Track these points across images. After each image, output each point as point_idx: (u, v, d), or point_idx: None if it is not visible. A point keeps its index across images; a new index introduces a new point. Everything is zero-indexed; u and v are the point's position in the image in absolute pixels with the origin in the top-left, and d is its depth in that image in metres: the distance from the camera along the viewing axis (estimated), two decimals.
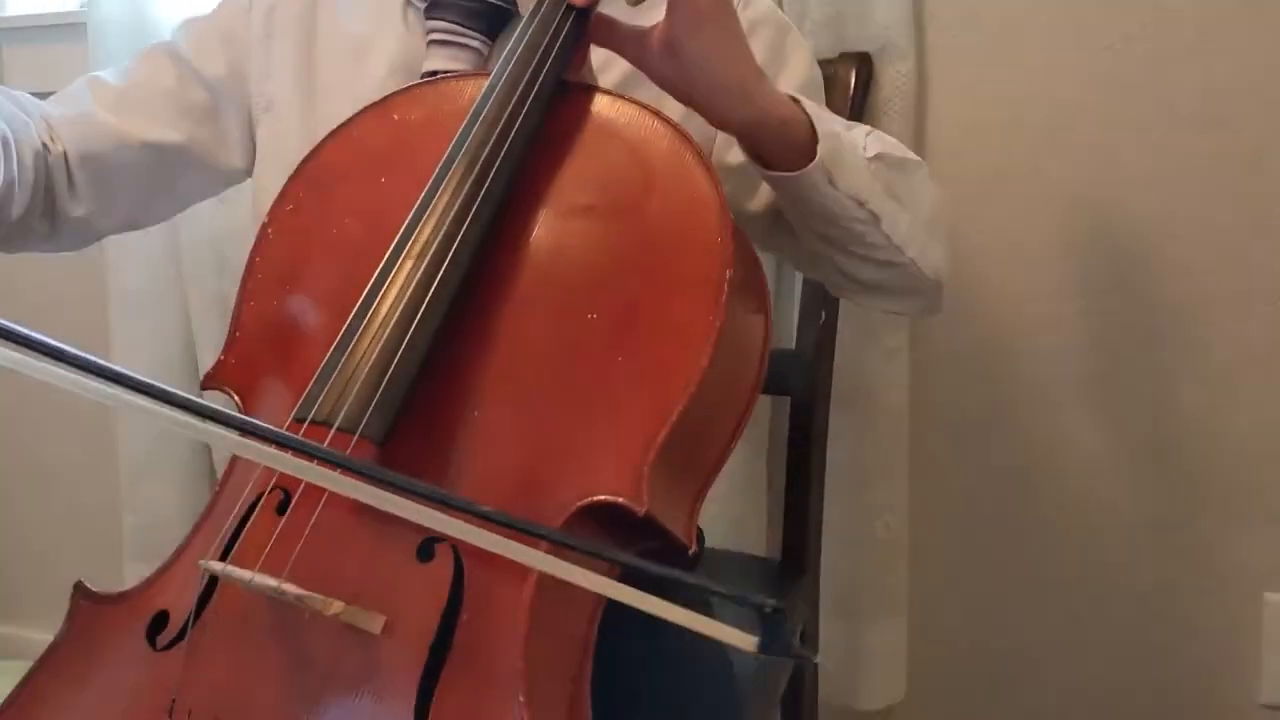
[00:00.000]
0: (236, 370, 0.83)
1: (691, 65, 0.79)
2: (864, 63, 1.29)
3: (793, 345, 1.25)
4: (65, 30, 1.72)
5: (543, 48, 0.82)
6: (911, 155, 0.96)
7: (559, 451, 0.72)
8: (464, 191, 0.77)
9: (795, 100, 0.85)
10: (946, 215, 0.98)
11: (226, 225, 1.62)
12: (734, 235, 0.75)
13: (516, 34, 0.83)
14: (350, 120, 0.89)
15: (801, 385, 1.24)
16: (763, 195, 0.95)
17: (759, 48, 0.94)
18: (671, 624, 0.59)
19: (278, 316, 0.84)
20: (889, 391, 1.34)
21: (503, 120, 0.79)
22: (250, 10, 1.05)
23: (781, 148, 0.83)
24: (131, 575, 1.69)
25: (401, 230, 0.77)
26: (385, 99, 0.89)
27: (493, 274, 0.77)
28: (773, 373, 0.82)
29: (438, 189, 0.78)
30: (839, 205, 0.85)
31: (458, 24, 0.97)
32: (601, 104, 0.83)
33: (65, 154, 0.98)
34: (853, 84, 1.28)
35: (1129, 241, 1.29)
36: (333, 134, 0.89)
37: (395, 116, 0.88)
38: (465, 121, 0.80)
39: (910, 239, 0.90)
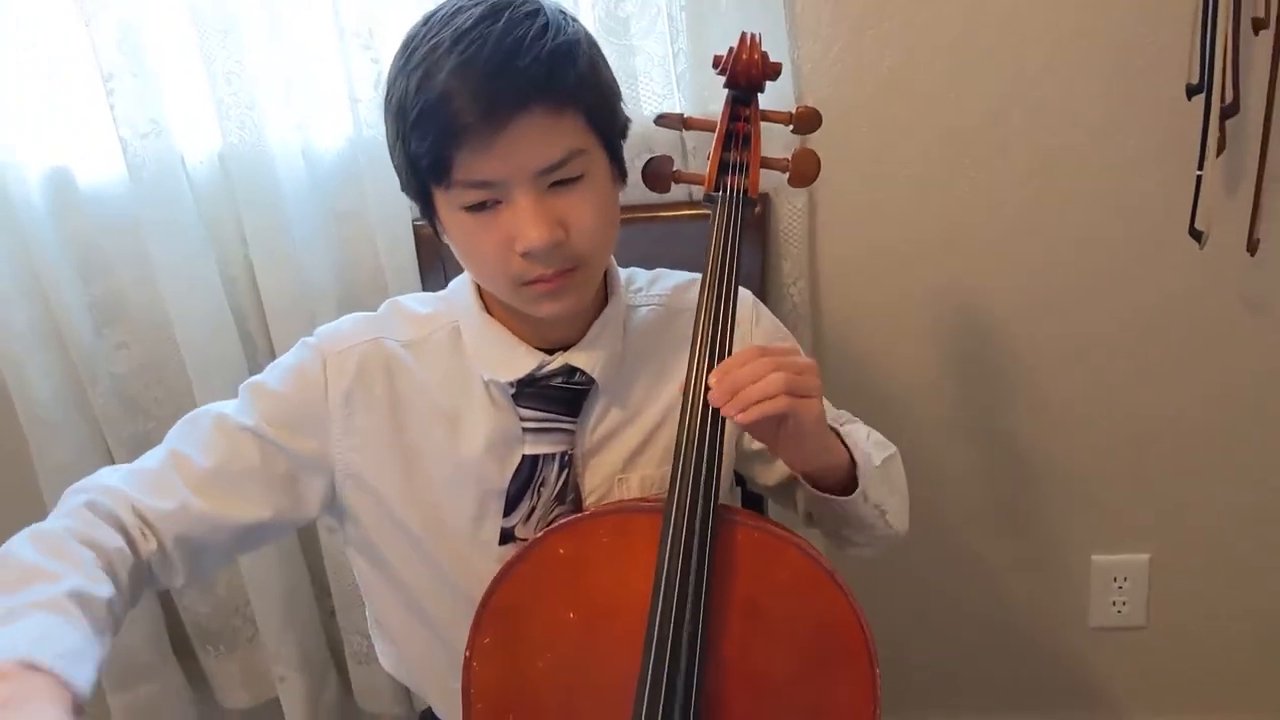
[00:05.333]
0: None
1: (795, 458, 1.01)
2: (766, 200, 1.49)
3: None
4: None
5: (703, 482, 0.93)
6: (890, 446, 1.14)
7: None
8: (684, 637, 0.90)
9: (838, 434, 1.05)
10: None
11: (130, 367, 1.65)
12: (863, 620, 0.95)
13: (680, 474, 0.94)
14: (520, 557, 0.97)
15: None
16: (776, 471, 1.14)
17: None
18: None
19: None
20: None
21: (693, 565, 0.92)
22: (327, 391, 1.05)
23: (831, 477, 1.04)
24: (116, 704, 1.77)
25: (647, 699, 0.90)
26: (544, 536, 0.98)
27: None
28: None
29: (661, 639, 0.90)
30: (866, 513, 1.06)
31: (547, 412, 1.04)
32: (746, 532, 0.96)
33: (160, 545, 0.99)
34: (763, 218, 1.48)
35: (974, 311, 1.59)
36: (506, 570, 0.97)
37: (561, 551, 0.96)
38: (661, 570, 0.91)
39: (897, 518, 1.10)
